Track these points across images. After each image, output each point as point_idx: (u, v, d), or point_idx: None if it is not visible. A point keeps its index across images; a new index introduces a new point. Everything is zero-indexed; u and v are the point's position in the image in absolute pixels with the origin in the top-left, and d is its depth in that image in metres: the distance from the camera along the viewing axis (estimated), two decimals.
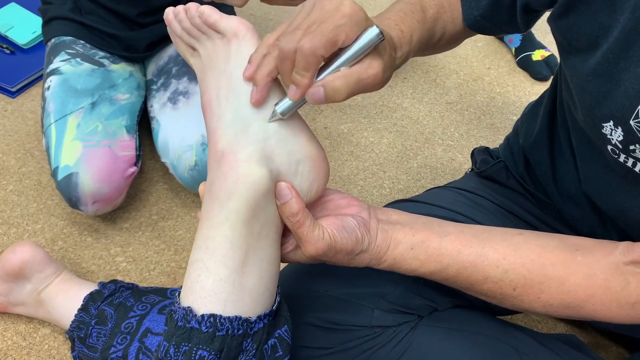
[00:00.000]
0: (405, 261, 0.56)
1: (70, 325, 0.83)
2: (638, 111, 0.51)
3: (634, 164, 0.56)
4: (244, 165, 0.50)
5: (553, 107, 0.74)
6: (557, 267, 0.54)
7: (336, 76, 0.47)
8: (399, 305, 0.69)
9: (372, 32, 0.47)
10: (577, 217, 0.72)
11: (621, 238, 0.57)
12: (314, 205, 0.58)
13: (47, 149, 0.99)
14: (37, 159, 1.18)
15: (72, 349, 0.83)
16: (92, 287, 0.86)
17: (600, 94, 0.54)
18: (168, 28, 0.59)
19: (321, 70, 0.49)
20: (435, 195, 0.81)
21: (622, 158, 0.56)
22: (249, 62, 0.52)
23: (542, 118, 0.75)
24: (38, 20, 1.42)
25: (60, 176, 0.95)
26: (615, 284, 0.52)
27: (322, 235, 0.52)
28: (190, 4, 0.57)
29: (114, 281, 0.88)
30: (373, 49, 0.48)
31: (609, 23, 0.52)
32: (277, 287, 0.55)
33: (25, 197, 1.10)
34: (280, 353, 0.52)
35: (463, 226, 0.58)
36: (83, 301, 0.84)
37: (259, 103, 0.51)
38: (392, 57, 0.54)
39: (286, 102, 0.51)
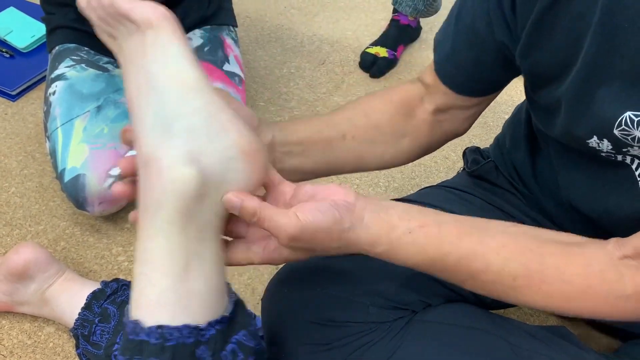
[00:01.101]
0: (402, 246, 0.52)
1: (74, 323, 0.84)
2: (620, 121, 0.52)
3: (632, 161, 0.57)
4: (168, 172, 0.47)
5: (530, 118, 0.75)
6: (556, 256, 0.53)
7: None
8: (393, 301, 0.69)
9: None
10: (566, 220, 0.73)
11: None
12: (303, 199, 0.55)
13: (53, 152, 1.00)
14: (39, 161, 1.19)
15: (77, 347, 0.85)
16: (94, 286, 0.88)
17: (578, 114, 0.56)
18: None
19: None
20: (427, 194, 0.82)
21: (619, 158, 0.58)
22: None
23: (524, 127, 0.76)
24: (37, 25, 1.44)
25: (67, 178, 0.97)
26: (610, 275, 0.52)
27: (290, 221, 0.48)
28: None
29: (116, 280, 0.89)
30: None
31: (573, 51, 0.54)
32: (232, 293, 0.53)
33: (28, 198, 1.12)
34: (242, 357, 0.50)
35: (458, 216, 0.57)
36: (86, 300, 0.85)
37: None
38: None
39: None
